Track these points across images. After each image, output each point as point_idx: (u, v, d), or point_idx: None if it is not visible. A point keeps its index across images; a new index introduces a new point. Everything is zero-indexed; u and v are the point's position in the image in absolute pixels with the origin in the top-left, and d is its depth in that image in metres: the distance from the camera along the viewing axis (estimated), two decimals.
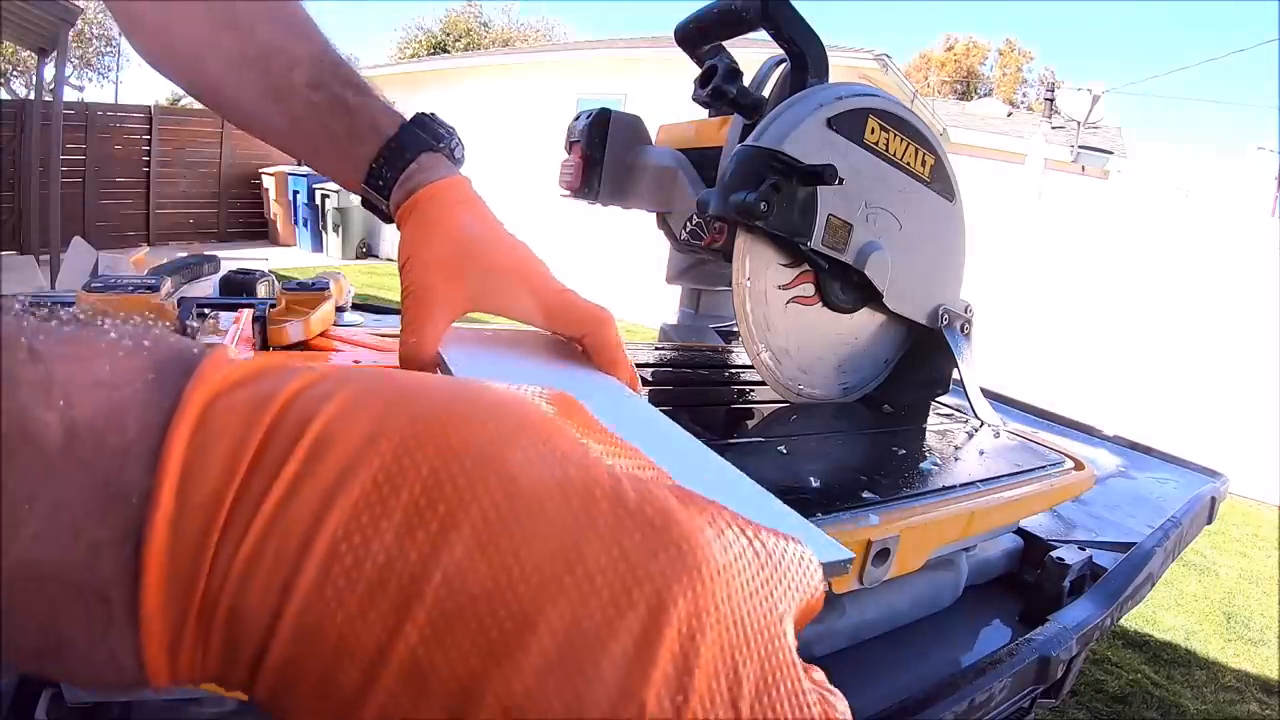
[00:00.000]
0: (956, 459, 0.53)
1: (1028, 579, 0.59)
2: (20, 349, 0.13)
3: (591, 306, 0.37)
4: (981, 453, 0.56)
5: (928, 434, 0.59)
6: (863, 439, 0.57)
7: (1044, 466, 0.54)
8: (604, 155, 0.72)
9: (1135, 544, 0.60)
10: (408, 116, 0.42)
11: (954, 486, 0.46)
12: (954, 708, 0.38)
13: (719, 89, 0.61)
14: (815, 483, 0.42)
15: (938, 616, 0.53)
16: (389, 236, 7.31)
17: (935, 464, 0.50)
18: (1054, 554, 0.57)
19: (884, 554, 0.38)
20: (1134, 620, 2.06)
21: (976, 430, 0.62)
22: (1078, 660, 0.50)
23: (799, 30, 0.57)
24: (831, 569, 0.22)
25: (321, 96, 0.40)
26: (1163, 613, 2.19)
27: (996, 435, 0.62)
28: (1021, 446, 0.60)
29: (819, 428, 0.57)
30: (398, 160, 0.40)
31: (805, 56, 0.57)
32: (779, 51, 0.60)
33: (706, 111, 0.69)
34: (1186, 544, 0.68)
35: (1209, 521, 0.73)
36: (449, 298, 0.35)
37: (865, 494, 0.42)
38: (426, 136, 0.41)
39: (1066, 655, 0.46)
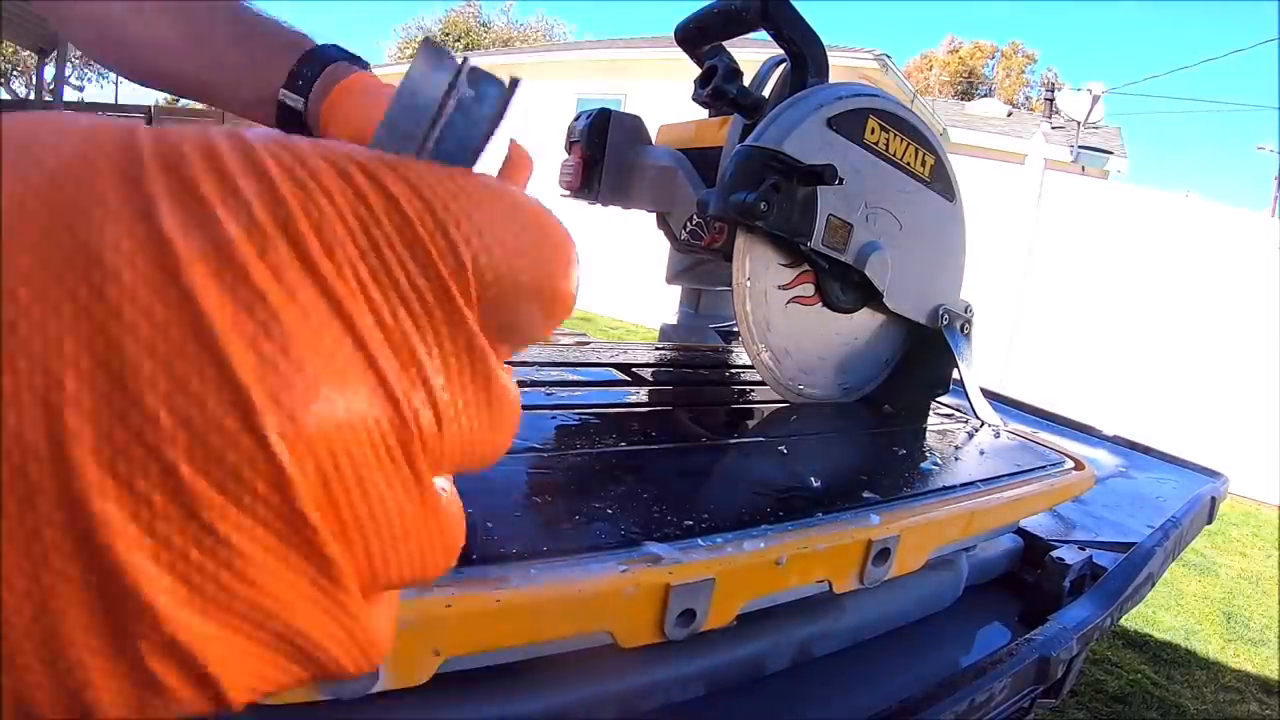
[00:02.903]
0: (956, 459, 0.53)
1: (1028, 579, 0.59)
2: None
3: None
4: (982, 453, 0.56)
5: (928, 434, 0.59)
6: (863, 439, 0.57)
7: (1044, 467, 0.54)
8: (604, 155, 0.72)
9: (1135, 544, 0.60)
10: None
11: (954, 486, 0.46)
12: (954, 708, 0.38)
13: (719, 89, 0.61)
14: (815, 483, 0.42)
15: (938, 616, 0.53)
16: None
17: (935, 464, 0.50)
18: (1054, 554, 0.57)
19: (884, 554, 0.38)
20: (1134, 620, 2.06)
21: (976, 430, 0.62)
22: (1078, 660, 0.50)
23: (799, 30, 0.57)
24: None
25: (237, 30, 0.42)
26: (1163, 613, 2.19)
27: (997, 435, 0.62)
28: (1022, 446, 0.60)
29: (819, 428, 0.57)
30: (318, 64, 0.41)
31: (805, 56, 0.57)
32: (779, 51, 0.60)
33: (706, 112, 0.69)
34: (1186, 544, 0.68)
35: (1209, 521, 0.73)
36: None
37: (865, 494, 0.42)
38: (337, 53, 0.43)
39: (1066, 655, 0.46)
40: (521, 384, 0.53)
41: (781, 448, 0.48)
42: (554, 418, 0.47)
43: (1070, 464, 0.56)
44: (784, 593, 0.35)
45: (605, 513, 0.33)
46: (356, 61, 0.43)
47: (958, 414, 0.67)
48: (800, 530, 0.35)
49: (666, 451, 0.44)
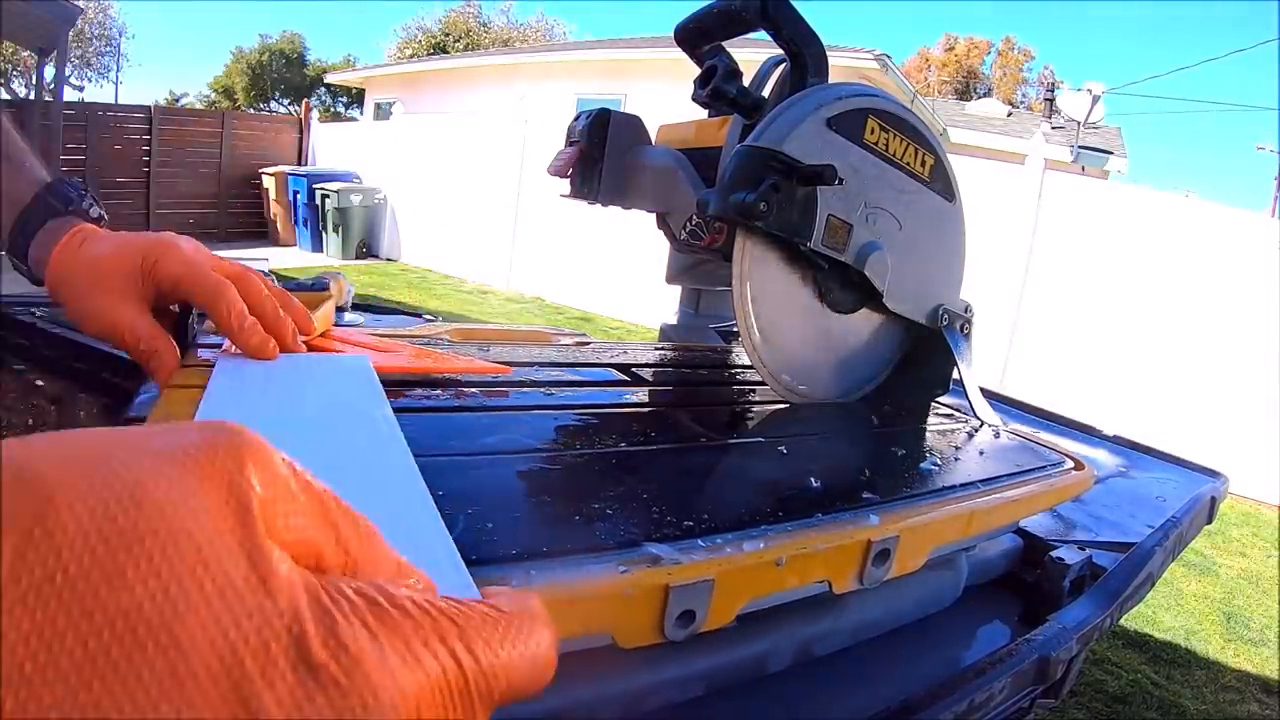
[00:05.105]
0: (956, 459, 0.53)
1: (1028, 579, 0.59)
2: None
3: (209, 278, 0.39)
4: (981, 453, 0.56)
5: (928, 434, 0.59)
6: (863, 439, 0.57)
7: (1044, 467, 0.54)
8: (604, 155, 0.72)
9: (1135, 544, 0.60)
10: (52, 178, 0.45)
11: (954, 487, 0.46)
12: (954, 708, 0.38)
13: (719, 89, 0.61)
14: (815, 483, 0.42)
15: (938, 616, 0.53)
16: (389, 237, 7.32)
17: (935, 464, 0.50)
18: (1054, 554, 0.57)
19: (884, 554, 0.38)
20: (1134, 620, 2.06)
21: (976, 430, 0.62)
22: (1078, 660, 0.50)
23: (799, 30, 0.57)
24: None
25: None
26: (1163, 613, 2.19)
27: (996, 435, 0.62)
28: (1022, 447, 0.60)
29: (819, 428, 0.57)
30: (28, 229, 0.43)
31: (805, 56, 0.57)
32: (779, 51, 0.60)
33: (706, 112, 0.69)
34: (1186, 544, 0.68)
35: (1209, 521, 0.73)
36: (126, 311, 0.38)
37: (865, 494, 0.42)
38: (57, 203, 0.44)
39: (1066, 655, 0.46)
40: (522, 384, 0.53)
41: (781, 448, 0.48)
42: (555, 418, 0.47)
43: (1070, 464, 0.56)
44: (784, 594, 0.35)
45: (604, 513, 0.33)
46: (70, 203, 0.44)
47: (958, 414, 0.67)
48: (800, 531, 0.35)
49: (666, 452, 0.44)
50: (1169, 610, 2.22)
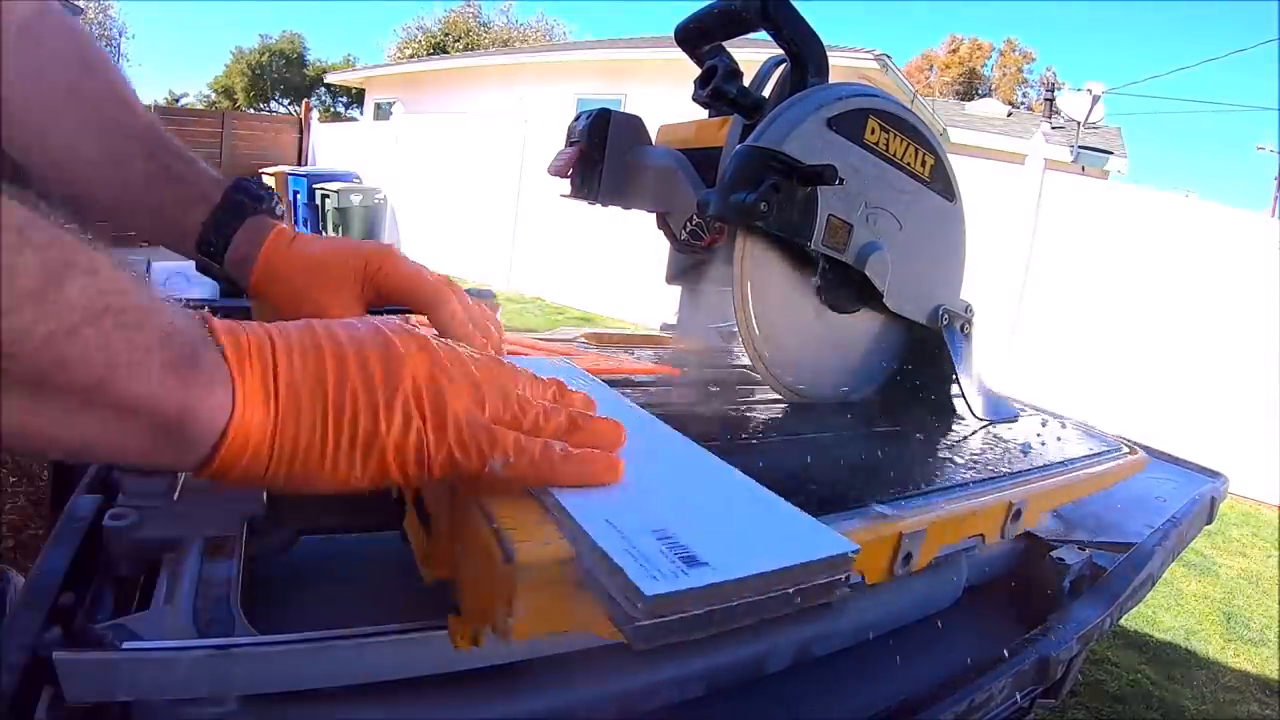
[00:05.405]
0: (1044, 443, 0.63)
1: (1028, 579, 0.59)
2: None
3: (433, 284, 0.42)
4: (1060, 439, 0.65)
5: (1018, 425, 0.68)
6: (975, 430, 0.64)
7: (1111, 450, 0.64)
8: (604, 155, 0.71)
9: (1135, 544, 0.60)
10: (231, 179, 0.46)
11: (1054, 464, 0.56)
12: (954, 708, 0.38)
13: (719, 89, 0.61)
14: (960, 461, 0.51)
15: (938, 616, 0.53)
16: (389, 237, 7.32)
17: (1034, 446, 0.61)
18: (1054, 554, 0.57)
19: (1018, 513, 0.47)
20: (1134, 620, 2.06)
21: (1046, 422, 0.71)
22: (1078, 660, 0.51)
23: (799, 30, 0.57)
24: (839, 562, 0.26)
25: (155, 165, 0.43)
26: (1163, 613, 2.19)
27: (1063, 425, 0.71)
28: (1087, 434, 0.69)
29: (938, 422, 0.63)
30: (225, 228, 0.43)
31: (805, 56, 0.57)
32: (779, 51, 0.60)
33: (706, 112, 0.69)
34: (1186, 544, 0.68)
35: (1209, 521, 0.73)
36: (353, 309, 0.42)
37: (1002, 469, 0.51)
38: (248, 200, 0.44)
39: (1066, 655, 0.46)
40: (694, 383, 0.64)
41: (919, 435, 0.59)
42: (747, 411, 0.59)
43: (1127, 449, 0.67)
44: (956, 544, 0.44)
45: (833, 486, 0.43)
46: (260, 201, 0.45)
47: (1028, 409, 0.75)
48: (967, 497, 0.45)
49: (845, 439, 0.56)
50: (1169, 610, 2.22)
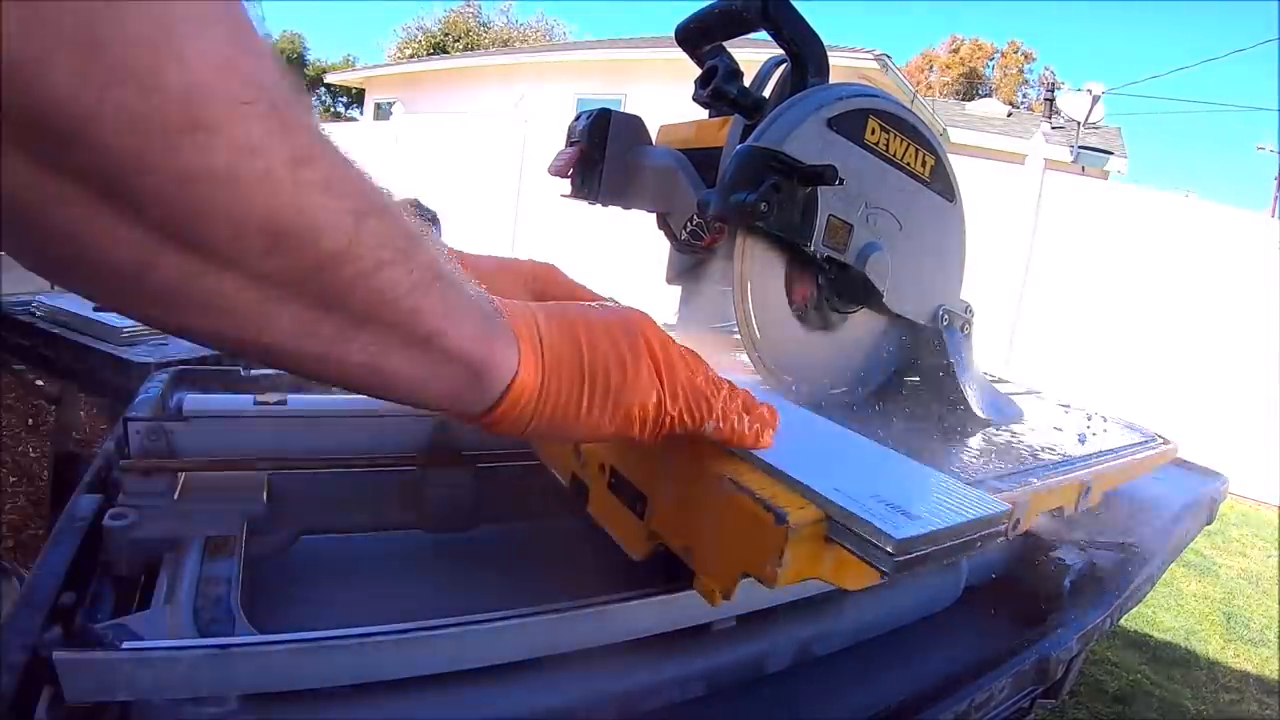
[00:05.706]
0: (1094, 434, 0.68)
1: (1028, 579, 0.59)
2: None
3: (591, 296, 0.47)
4: (1105, 430, 0.71)
5: (1068, 417, 0.74)
6: (1035, 427, 0.68)
7: (1148, 440, 0.70)
8: (604, 155, 0.71)
9: (1135, 544, 0.60)
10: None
11: (1109, 451, 0.63)
12: (954, 708, 0.38)
13: (719, 89, 0.61)
14: (1039, 446, 0.57)
15: (938, 616, 0.53)
16: None
17: (1090, 438, 0.66)
18: (1054, 554, 0.57)
19: (1087, 490, 0.53)
20: (1134, 620, 2.06)
21: (1091, 417, 0.76)
22: (1078, 660, 0.51)
23: (799, 30, 0.57)
24: (999, 518, 0.33)
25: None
26: (1163, 613, 2.19)
27: (1105, 420, 0.76)
28: (1128, 427, 0.76)
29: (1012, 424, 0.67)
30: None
31: (805, 56, 0.57)
32: (779, 51, 0.60)
33: (707, 112, 0.69)
34: (1186, 544, 0.68)
35: (1209, 521, 0.73)
36: None
37: (1073, 454, 0.57)
38: (426, 218, 0.47)
39: (1066, 655, 0.46)
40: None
41: (992, 427, 0.64)
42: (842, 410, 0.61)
43: (1161, 439, 0.73)
44: (1040, 516, 0.51)
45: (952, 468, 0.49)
46: (432, 223, 0.46)
47: (1072, 406, 0.82)
48: (1049, 477, 0.51)
49: (934, 430, 0.60)
50: (1169, 610, 2.22)
